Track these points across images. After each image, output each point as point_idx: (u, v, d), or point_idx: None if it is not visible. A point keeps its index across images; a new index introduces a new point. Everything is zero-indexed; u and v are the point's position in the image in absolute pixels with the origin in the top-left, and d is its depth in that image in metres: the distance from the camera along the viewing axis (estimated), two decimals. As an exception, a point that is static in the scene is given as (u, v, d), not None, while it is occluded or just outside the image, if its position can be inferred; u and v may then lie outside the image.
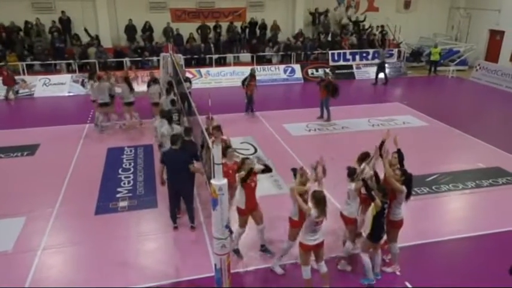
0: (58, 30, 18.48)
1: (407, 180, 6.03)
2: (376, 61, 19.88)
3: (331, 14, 21.90)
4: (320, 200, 5.38)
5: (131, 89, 12.28)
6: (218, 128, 7.83)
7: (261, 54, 20.13)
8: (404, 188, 5.97)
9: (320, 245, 5.71)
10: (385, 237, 6.24)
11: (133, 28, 19.42)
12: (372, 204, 5.78)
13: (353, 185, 6.20)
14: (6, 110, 15.50)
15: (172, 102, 10.45)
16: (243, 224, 6.60)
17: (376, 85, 19.06)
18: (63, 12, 18.62)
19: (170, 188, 7.40)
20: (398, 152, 6.48)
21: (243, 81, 14.01)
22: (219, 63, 19.84)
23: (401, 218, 6.18)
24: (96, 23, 19.39)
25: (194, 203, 7.80)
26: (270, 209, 7.14)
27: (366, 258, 6.05)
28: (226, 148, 6.82)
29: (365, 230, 6.37)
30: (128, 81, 12.41)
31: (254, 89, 13.87)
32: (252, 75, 13.90)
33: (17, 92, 16.59)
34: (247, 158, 6.57)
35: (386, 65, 19.46)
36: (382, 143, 6.43)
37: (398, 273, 6.37)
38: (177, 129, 8.75)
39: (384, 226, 5.98)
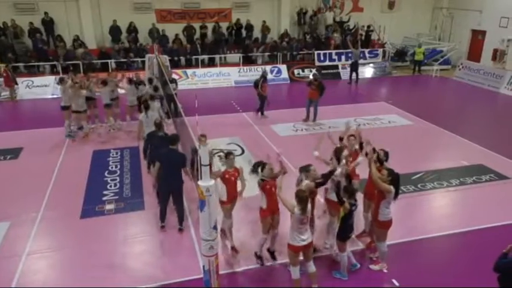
0: (39, 32, 18.19)
1: (394, 180, 6.10)
2: (349, 61, 19.97)
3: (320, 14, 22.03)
4: (302, 199, 5.46)
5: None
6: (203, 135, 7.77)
7: (253, 54, 20.22)
8: (392, 187, 6.03)
9: (309, 246, 5.75)
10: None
11: (118, 29, 19.25)
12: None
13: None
14: (-12, 113, 15.23)
15: (155, 88, 11.08)
16: (266, 231, 6.49)
17: (350, 84, 19.26)
18: (46, 13, 18.35)
19: (164, 187, 7.40)
20: (377, 151, 6.59)
21: (256, 83, 13.68)
22: (206, 64, 19.78)
23: (390, 219, 6.24)
24: (80, 24, 19.17)
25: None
26: (257, 208, 7.14)
27: (343, 258, 6.20)
28: (227, 154, 6.87)
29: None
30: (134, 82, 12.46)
31: (267, 91, 13.65)
32: (264, 77, 13.70)
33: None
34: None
35: (359, 65, 19.58)
36: (361, 144, 6.55)
37: (385, 270, 6.44)
38: (155, 115, 9.53)
39: (353, 226, 6.14)
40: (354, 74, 19.28)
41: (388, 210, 6.17)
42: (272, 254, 6.72)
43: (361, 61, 20.41)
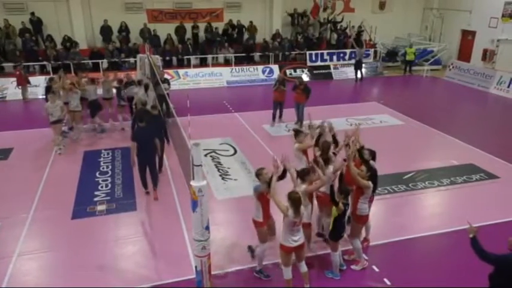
0: (29, 32, 18.01)
1: (373, 175, 6.24)
2: (353, 61, 20.45)
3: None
4: (295, 201, 5.40)
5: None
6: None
7: (255, 54, 20.34)
8: (370, 183, 6.14)
9: (301, 247, 5.75)
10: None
11: (109, 29, 19.12)
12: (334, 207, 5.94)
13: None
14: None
15: (146, 86, 11.81)
16: (264, 240, 6.25)
17: (357, 82, 19.69)
18: (32, 13, 18.12)
19: (140, 160, 8.44)
20: (362, 149, 6.73)
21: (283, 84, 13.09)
22: (198, 64, 19.73)
23: (367, 214, 6.36)
24: (70, 24, 19.00)
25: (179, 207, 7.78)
26: (250, 208, 7.12)
27: (334, 257, 6.24)
28: (259, 170, 6.15)
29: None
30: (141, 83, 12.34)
31: (283, 95, 12.96)
32: (280, 81, 13.02)
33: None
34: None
35: (363, 64, 20.09)
36: (348, 145, 6.62)
37: (366, 264, 6.52)
38: (151, 95, 11.45)
39: (345, 225, 6.18)
40: (358, 73, 19.80)
41: (365, 206, 6.28)
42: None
43: (352, 61, 20.62)
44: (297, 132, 7.68)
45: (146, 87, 11.88)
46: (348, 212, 6.23)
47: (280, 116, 13.20)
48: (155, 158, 8.79)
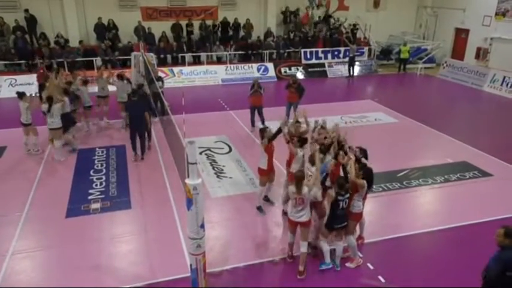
0: (22, 29, 17.86)
1: (368, 175, 6.35)
2: (347, 59, 20.63)
3: (302, 13, 22.06)
4: (298, 178, 5.96)
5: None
6: None
7: (256, 52, 20.40)
8: (365, 182, 6.25)
9: (304, 224, 6.16)
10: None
11: (102, 27, 18.99)
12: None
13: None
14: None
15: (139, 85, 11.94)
16: (264, 184, 7.84)
17: (349, 79, 19.96)
18: (26, 10, 17.97)
19: (131, 129, 10.17)
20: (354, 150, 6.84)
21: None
22: (192, 62, 19.68)
23: (360, 211, 6.43)
24: (64, 21, 18.87)
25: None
26: (245, 206, 7.17)
27: (323, 243, 6.43)
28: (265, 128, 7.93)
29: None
30: (125, 77, 12.48)
31: (261, 99, 12.15)
32: (257, 84, 12.13)
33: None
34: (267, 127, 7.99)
35: (355, 61, 20.41)
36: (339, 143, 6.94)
37: (361, 262, 6.55)
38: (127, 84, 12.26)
39: (343, 219, 6.27)
40: (351, 69, 20.08)
41: (359, 203, 6.38)
42: (267, 199, 8.19)
43: (346, 59, 20.70)
44: (263, 131, 7.75)
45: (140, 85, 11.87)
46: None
47: (263, 122, 11.98)
48: (144, 128, 10.36)
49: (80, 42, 18.52)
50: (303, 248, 6.24)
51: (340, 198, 6.07)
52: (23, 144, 10.74)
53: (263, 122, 11.91)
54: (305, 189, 5.97)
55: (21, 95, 10.48)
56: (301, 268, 6.21)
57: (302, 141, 7.38)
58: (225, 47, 20.20)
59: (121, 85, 12.19)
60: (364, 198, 6.56)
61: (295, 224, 6.24)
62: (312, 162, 6.64)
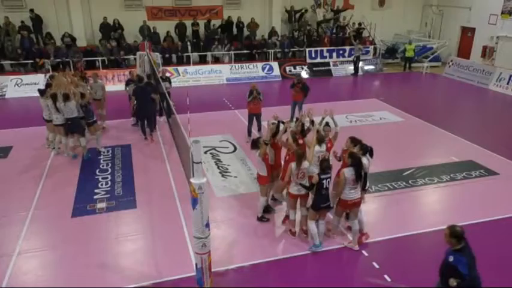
0: (27, 29, 17.95)
1: (355, 164, 6.45)
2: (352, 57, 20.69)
3: (309, 13, 22.01)
4: (299, 155, 6.63)
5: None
6: None
7: (259, 52, 20.41)
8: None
9: (304, 196, 6.86)
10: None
11: (108, 26, 19.06)
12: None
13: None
14: (-24, 111, 15.03)
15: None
16: (265, 193, 7.61)
17: (355, 76, 20.13)
18: (31, 10, 18.06)
19: (140, 112, 11.36)
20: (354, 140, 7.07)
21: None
22: (197, 62, 19.71)
23: (350, 198, 6.55)
24: (69, 21, 18.97)
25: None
26: (250, 205, 7.15)
27: (311, 225, 6.72)
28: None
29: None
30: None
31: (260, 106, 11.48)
32: (256, 91, 11.31)
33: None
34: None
35: (360, 59, 20.45)
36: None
37: (356, 248, 6.80)
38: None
39: (328, 199, 6.66)
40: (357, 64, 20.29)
41: (347, 192, 6.53)
42: (268, 210, 7.88)
43: (351, 57, 20.66)
44: (256, 143, 7.52)
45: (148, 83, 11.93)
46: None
47: (259, 129, 11.56)
48: (152, 111, 11.54)
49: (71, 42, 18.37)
50: (303, 212, 7.03)
51: (323, 177, 6.48)
52: (45, 139, 10.97)
53: (259, 129, 11.56)
54: (305, 164, 6.68)
55: (42, 92, 10.69)
56: (293, 230, 7.12)
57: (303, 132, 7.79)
58: (229, 46, 20.19)
59: (95, 85, 12.15)
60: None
61: (296, 197, 6.90)
62: (309, 146, 7.34)
